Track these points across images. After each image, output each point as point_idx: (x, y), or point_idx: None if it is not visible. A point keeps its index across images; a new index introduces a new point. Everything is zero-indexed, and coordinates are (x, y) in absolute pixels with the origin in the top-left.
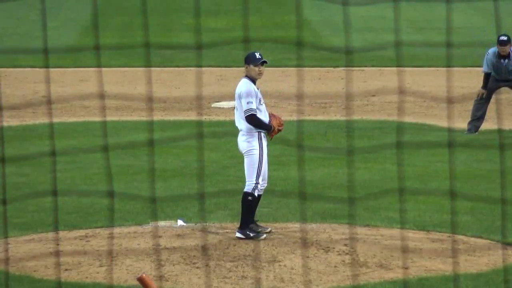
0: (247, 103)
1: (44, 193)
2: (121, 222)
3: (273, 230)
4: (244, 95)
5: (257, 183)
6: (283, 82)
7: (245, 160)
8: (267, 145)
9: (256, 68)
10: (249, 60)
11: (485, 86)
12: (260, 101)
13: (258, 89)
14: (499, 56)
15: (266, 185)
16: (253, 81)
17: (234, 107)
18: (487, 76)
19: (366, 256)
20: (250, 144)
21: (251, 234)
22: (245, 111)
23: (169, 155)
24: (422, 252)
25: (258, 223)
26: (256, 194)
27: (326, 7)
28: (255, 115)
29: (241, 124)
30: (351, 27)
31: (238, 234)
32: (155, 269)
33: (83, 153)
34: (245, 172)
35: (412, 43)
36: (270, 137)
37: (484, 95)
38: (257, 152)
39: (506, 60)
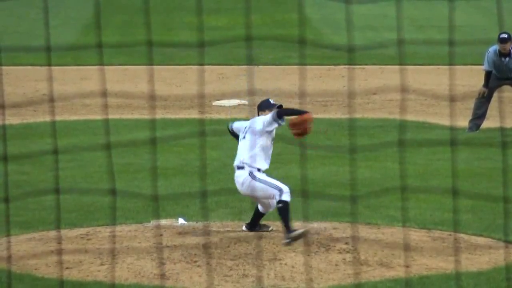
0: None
1: (45, 191)
2: (122, 221)
3: (274, 229)
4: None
5: (280, 190)
6: (284, 80)
7: (256, 193)
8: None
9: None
10: (267, 106)
11: (486, 84)
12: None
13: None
14: (500, 54)
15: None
16: None
17: (233, 117)
18: (488, 74)
19: (367, 255)
20: (251, 174)
21: (291, 234)
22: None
23: (170, 153)
24: (423, 250)
25: (260, 223)
26: (285, 199)
27: (327, 5)
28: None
29: (247, 157)
30: (353, 25)
31: (284, 241)
32: (156, 268)
33: (84, 151)
34: (266, 197)
35: (414, 41)
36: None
37: (485, 94)
38: (258, 175)
39: (507, 58)
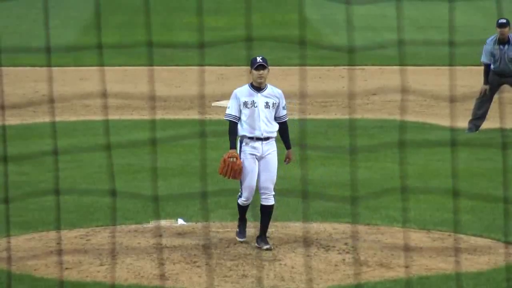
0: (227, 107)
1: (45, 192)
2: (122, 221)
3: (273, 229)
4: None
5: (240, 192)
6: (284, 81)
7: None
8: (256, 154)
9: (255, 72)
10: (251, 64)
11: (486, 81)
12: (253, 103)
13: (259, 93)
14: (499, 42)
15: (250, 198)
16: (252, 85)
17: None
18: (487, 68)
19: (367, 255)
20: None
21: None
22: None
23: (170, 154)
24: (423, 250)
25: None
26: (240, 203)
27: (326, 5)
28: (229, 121)
29: None
30: (352, 26)
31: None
32: (155, 268)
33: (83, 152)
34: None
35: (413, 41)
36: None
37: (487, 91)
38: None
39: (506, 46)
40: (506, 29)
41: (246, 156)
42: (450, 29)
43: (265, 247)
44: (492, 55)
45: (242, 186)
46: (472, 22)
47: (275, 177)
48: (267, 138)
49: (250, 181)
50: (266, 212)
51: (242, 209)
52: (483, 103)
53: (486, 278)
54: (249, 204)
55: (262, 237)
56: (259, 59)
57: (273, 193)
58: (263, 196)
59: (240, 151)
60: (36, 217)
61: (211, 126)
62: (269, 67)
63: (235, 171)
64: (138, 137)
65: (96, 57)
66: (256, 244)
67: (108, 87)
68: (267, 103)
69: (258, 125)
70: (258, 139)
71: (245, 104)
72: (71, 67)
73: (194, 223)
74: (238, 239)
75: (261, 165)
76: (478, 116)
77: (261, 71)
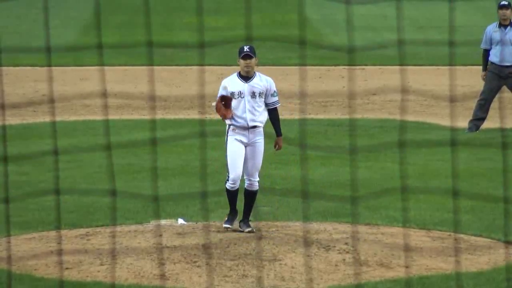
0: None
1: (45, 192)
2: (122, 221)
3: (273, 229)
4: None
5: (228, 176)
6: (284, 81)
7: None
8: (245, 140)
9: (242, 61)
10: (238, 53)
11: (484, 67)
12: (240, 94)
13: (246, 82)
14: (500, 25)
15: (237, 182)
16: (240, 74)
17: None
18: (485, 54)
19: (367, 255)
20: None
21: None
22: None
23: (170, 154)
24: (423, 250)
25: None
26: (227, 187)
27: (326, 5)
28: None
29: None
30: (352, 26)
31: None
32: (156, 268)
33: (84, 152)
34: None
35: (414, 41)
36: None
37: (485, 76)
38: (226, 145)
39: (508, 27)
40: (508, 11)
41: (232, 140)
42: (450, 29)
43: (247, 230)
44: (492, 40)
45: (229, 168)
46: (472, 22)
47: (260, 165)
48: (253, 127)
49: (235, 162)
50: (250, 197)
51: (232, 197)
52: (484, 104)
53: (486, 278)
54: (237, 191)
55: (244, 220)
56: (246, 48)
57: (258, 179)
58: (248, 182)
59: (227, 136)
60: (36, 217)
61: (211, 126)
62: (269, 67)
63: (221, 110)
64: (138, 137)
65: (96, 57)
66: (239, 228)
67: (108, 87)
68: (253, 92)
69: (244, 115)
70: (245, 128)
71: (232, 94)
72: (71, 67)
73: (194, 223)
74: (224, 225)
75: (248, 153)
76: (479, 117)
77: (248, 61)
